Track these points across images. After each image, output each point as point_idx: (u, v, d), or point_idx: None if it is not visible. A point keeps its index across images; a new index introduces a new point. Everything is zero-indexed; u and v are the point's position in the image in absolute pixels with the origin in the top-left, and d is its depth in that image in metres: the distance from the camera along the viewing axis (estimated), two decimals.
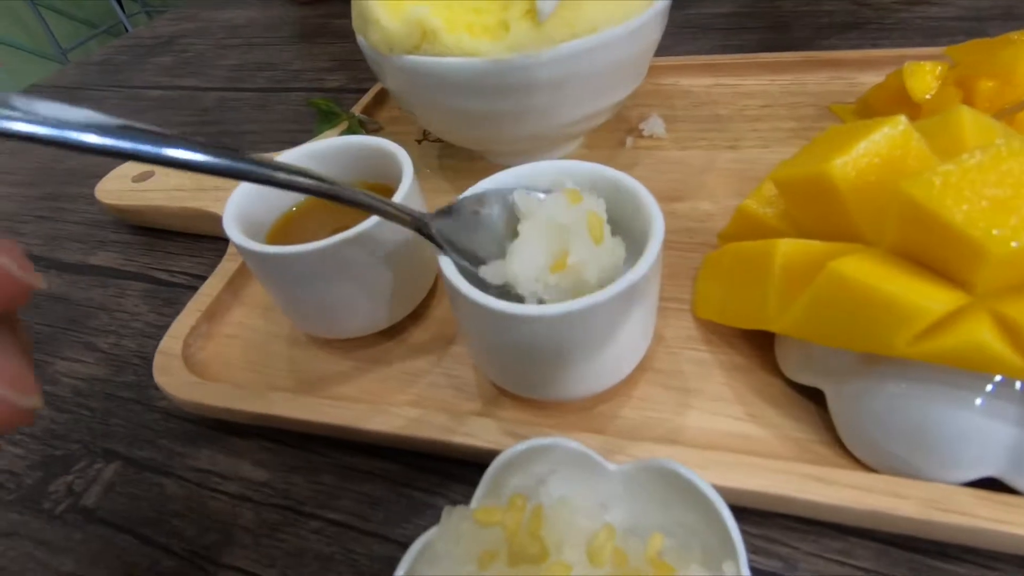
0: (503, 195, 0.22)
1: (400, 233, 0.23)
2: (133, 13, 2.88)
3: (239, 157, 0.16)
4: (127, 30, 2.49)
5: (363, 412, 0.23)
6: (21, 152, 0.49)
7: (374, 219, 0.22)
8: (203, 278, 0.34)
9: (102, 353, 0.30)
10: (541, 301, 0.20)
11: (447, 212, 0.21)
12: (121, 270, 0.36)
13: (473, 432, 0.21)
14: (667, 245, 0.28)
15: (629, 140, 0.35)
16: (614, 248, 0.21)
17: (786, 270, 0.19)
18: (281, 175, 0.16)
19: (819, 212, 0.20)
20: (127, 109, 0.53)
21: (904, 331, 0.16)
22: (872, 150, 0.19)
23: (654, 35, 0.29)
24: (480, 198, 0.22)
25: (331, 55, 0.56)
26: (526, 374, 0.21)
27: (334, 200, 0.18)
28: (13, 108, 0.12)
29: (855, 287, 0.17)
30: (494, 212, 0.22)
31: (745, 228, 0.24)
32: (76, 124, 0.13)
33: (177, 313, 0.29)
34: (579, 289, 0.19)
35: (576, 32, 0.25)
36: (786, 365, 0.22)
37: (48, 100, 0.13)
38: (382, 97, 0.44)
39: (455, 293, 0.19)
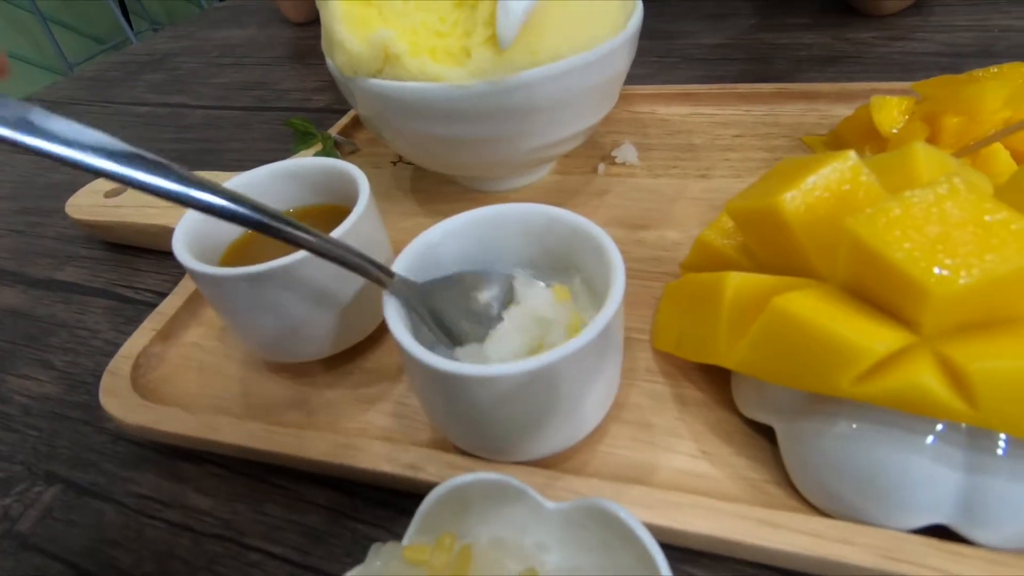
0: (505, 279, 0.22)
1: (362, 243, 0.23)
2: (141, 30, 2.93)
3: (181, 178, 0.15)
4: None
5: (309, 440, 0.22)
6: (2, 166, 0.49)
7: (338, 231, 0.22)
8: (159, 294, 0.33)
9: (57, 371, 0.30)
10: None
11: (443, 283, 0.21)
12: (87, 286, 0.35)
13: (417, 464, 0.21)
14: (631, 274, 0.27)
15: (601, 167, 0.35)
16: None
17: (736, 304, 0.19)
18: (221, 202, 0.16)
19: (773, 245, 0.20)
20: (112, 125, 0.54)
21: (847, 371, 0.15)
22: (821, 184, 0.18)
23: (622, 62, 0.29)
24: (478, 279, 0.22)
25: (319, 75, 0.57)
26: (485, 438, 0.20)
27: (273, 236, 0.17)
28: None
29: (798, 324, 0.16)
30: (492, 294, 0.22)
31: (705, 259, 0.24)
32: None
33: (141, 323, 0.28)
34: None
35: (539, 59, 0.25)
36: (740, 401, 0.21)
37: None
38: (358, 121, 0.44)
39: (406, 353, 0.18)
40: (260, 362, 0.27)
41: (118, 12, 2.54)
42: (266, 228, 0.17)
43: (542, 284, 0.22)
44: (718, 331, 0.19)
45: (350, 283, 0.24)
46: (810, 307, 0.16)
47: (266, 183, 0.27)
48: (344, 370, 0.26)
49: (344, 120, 0.43)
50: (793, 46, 0.48)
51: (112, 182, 0.15)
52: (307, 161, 0.27)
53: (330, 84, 0.54)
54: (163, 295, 0.34)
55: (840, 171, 0.18)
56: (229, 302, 0.23)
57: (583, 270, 0.22)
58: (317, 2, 0.29)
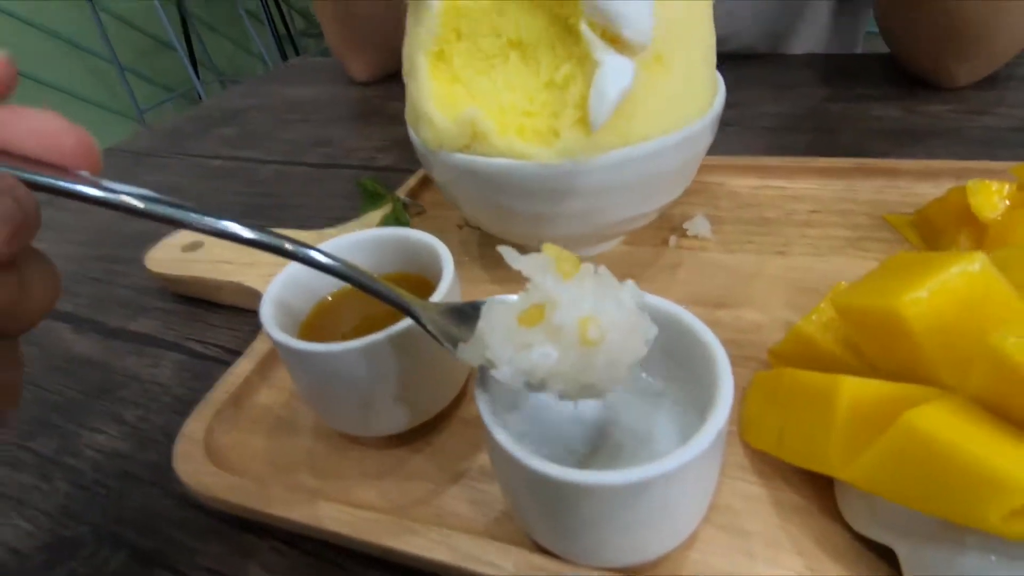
0: None
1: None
2: (208, 81, 3.14)
3: (281, 237, 0.18)
4: (200, 95, 2.71)
5: (379, 524, 0.21)
6: (85, 212, 0.52)
7: (406, 321, 0.22)
8: (237, 353, 0.34)
9: (128, 426, 0.30)
10: (518, 368, 0.17)
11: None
12: (159, 338, 0.36)
13: (496, 561, 0.20)
14: None
15: (673, 239, 0.35)
16: (608, 289, 0.17)
17: (853, 413, 0.18)
18: (318, 256, 0.19)
19: (887, 347, 0.19)
20: (188, 176, 0.56)
21: (998, 505, 0.14)
22: (948, 288, 0.17)
23: (705, 143, 0.29)
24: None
25: (383, 135, 0.58)
26: (574, 541, 0.18)
27: (374, 295, 0.20)
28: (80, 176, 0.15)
29: (937, 446, 0.15)
30: None
31: (801, 350, 0.23)
32: (130, 192, 0.15)
33: (206, 389, 0.28)
34: (561, 339, 0.16)
35: (627, 140, 0.25)
36: (850, 513, 0.19)
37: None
38: (427, 180, 0.45)
39: (501, 451, 0.17)
40: (329, 432, 0.27)
41: (188, 64, 2.72)
42: (374, 292, 0.19)
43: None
44: (830, 440, 0.18)
45: (427, 360, 0.23)
46: (950, 426, 0.15)
47: (351, 250, 0.27)
48: (416, 446, 0.25)
49: (411, 181, 0.44)
50: (862, 117, 0.48)
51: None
52: (389, 231, 0.27)
53: (393, 143, 0.56)
54: (231, 351, 0.34)
55: (969, 275, 0.17)
56: (309, 375, 0.23)
57: (674, 359, 0.21)
58: (404, 77, 0.30)
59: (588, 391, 0.17)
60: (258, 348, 0.30)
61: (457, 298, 0.25)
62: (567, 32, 0.25)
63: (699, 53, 0.27)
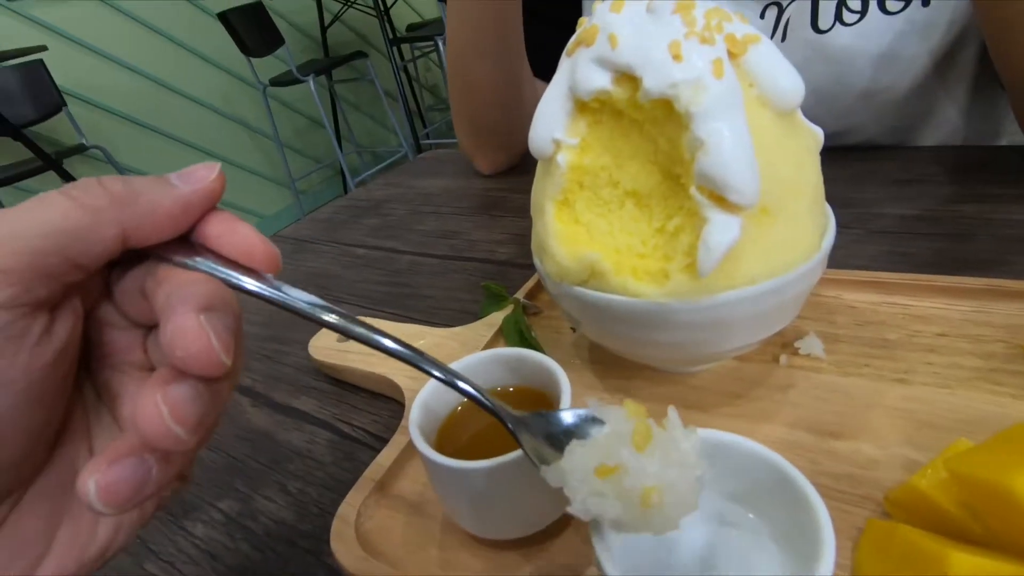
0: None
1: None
2: (348, 152, 3.54)
3: (417, 353, 0.23)
4: (342, 166, 3.08)
5: None
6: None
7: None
8: (378, 437, 0.39)
9: (291, 497, 0.36)
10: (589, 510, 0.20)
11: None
12: (315, 417, 0.43)
13: None
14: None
15: (783, 358, 0.35)
16: (673, 454, 0.20)
17: None
18: (439, 374, 0.24)
19: (1006, 522, 0.19)
20: (338, 263, 0.66)
21: None
22: None
23: (813, 279, 0.30)
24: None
25: (504, 228, 0.65)
26: None
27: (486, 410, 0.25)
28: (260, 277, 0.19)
29: None
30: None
31: (917, 505, 0.23)
32: (295, 296, 0.20)
33: (354, 469, 0.33)
34: (627, 499, 0.20)
35: (734, 283, 0.27)
36: None
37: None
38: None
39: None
40: (456, 527, 0.30)
41: (334, 138, 3.11)
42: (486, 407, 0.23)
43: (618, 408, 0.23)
44: None
45: (540, 481, 0.26)
46: None
47: (484, 367, 0.31)
48: (529, 551, 0.28)
49: (530, 284, 0.48)
50: (998, 222, 0.45)
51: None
52: (514, 353, 0.31)
53: (513, 238, 0.62)
54: (373, 435, 0.40)
55: None
56: (439, 481, 0.27)
57: (774, 501, 0.22)
58: (532, 213, 0.34)
59: (643, 533, 0.20)
60: (400, 440, 0.35)
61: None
62: (678, 187, 0.28)
63: (806, 201, 0.29)
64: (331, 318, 0.21)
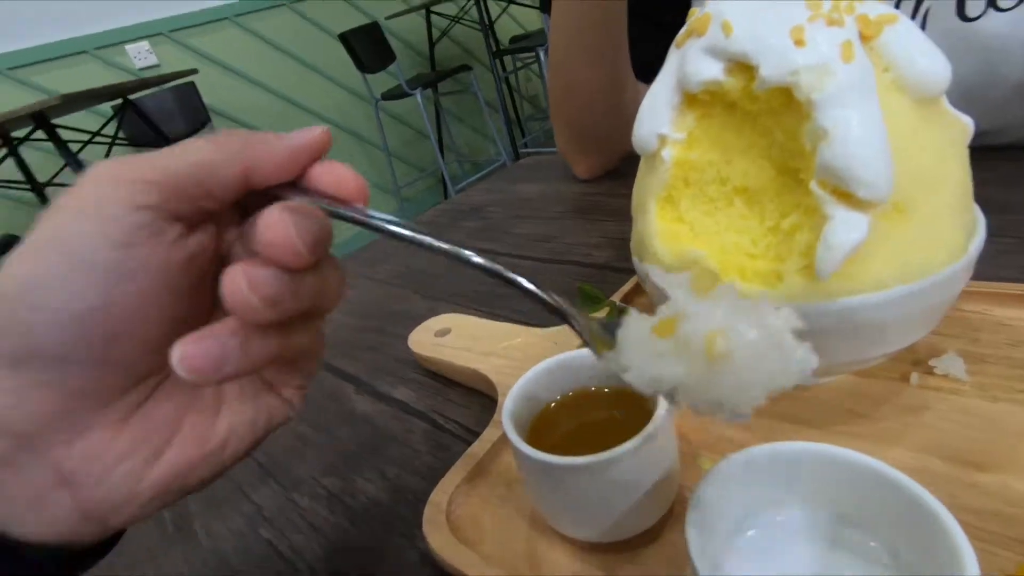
0: None
1: (657, 451, 0.25)
2: (449, 161, 3.69)
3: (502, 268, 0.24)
4: (443, 174, 3.22)
5: None
6: (365, 290, 0.66)
7: (638, 440, 0.24)
8: (470, 430, 0.40)
9: (388, 482, 0.38)
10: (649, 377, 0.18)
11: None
12: (412, 407, 0.44)
13: None
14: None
15: (915, 376, 0.32)
16: (751, 314, 0.17)
17: None
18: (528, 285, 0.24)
19: None
20: (440, 264, 0.68)
21: None
22: None
23: (956, 289, 0.26)
24: None
25: (601, 231, 0.64)
26: None
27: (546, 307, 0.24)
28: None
29: None
30: None
31: None
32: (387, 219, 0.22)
33: (447, 459, 0.34)
34: (687, 350, 0.17)
35: (858, 287, 0.25)
36: None
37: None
38: (640, 286, 0.48)
39: None
40: (544, 524, 0.30)
41: (436, 148, 3.25)
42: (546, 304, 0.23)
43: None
44: None
45: (635, 483, 0.25)
46: None
47: (575, 364, 0.31)
48: (621, 556, 0.27)
49: (626, 287, 0.47)
50: None
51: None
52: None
53: (610, 241, 0.61)
54: (466, 428, 0.41)
55: None
56: (531, 476, 0.27)
57: (903, 529, 0.20)
58: (633, 211, 0.34)
59: (718, 409, 0.18)
60: (491, 433, 0.36)
61: (670, 413, 0.27)
62: (796, 183, 0.26)
63: (948, 198, 0.25)
64: (416, 235, 0.22)
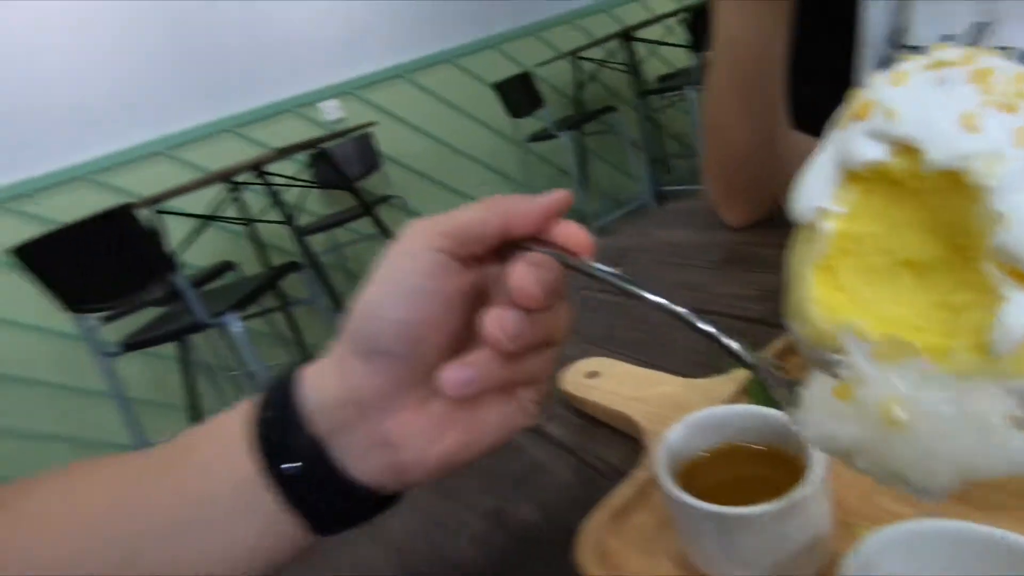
0: None
1: (813, 509, 0.26)
2: (591, 199, 3.76)
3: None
4: (584, 212, 3.30)
5: None
6: None
7: (797, 494, 0.26)
8: (616, 469, 0.43)
9: (541, 509, 0.42)
10: None
11: None
12: (563, 443, 0.48)
13: None
14: None
15: None
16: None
17: None
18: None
19: None
20: (584, 307, 0.72)
21: None
22: None
23: None
24: None
25: (752, 283, 0.63)
26: None
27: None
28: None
29: None
30: None
31: None
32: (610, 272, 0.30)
33: (594, 494, 0.38)
34: (863, 413, 0.18)
35: None
36: None
37: None
38: (792, 346, 0.48)
39: None
40: (695, 570, 0.32)
41: (578, 187, 3.33)
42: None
43: None
44: None
45: (805, 530, 0.27)
46: None
47: (727, 420, 0.33)
48: None
49: (778, 344, 0.47)
50: None
51: None
52: (763, 411, 0.32)
53: (764, 295, 0.60)
54: (613, 467, 0.44)
55: None
56: (682, 521, 0.30)
57: None
58: (787, 277, 0.35)
59: (897, 479, 0.18)
60: (639, 477, 0.38)
61: (828, 471, 0.28)
62: (963, 260, 0.26)
63: None
64: (631, 287, 0.30)
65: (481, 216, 0.28)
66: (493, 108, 3.31)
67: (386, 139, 3.15)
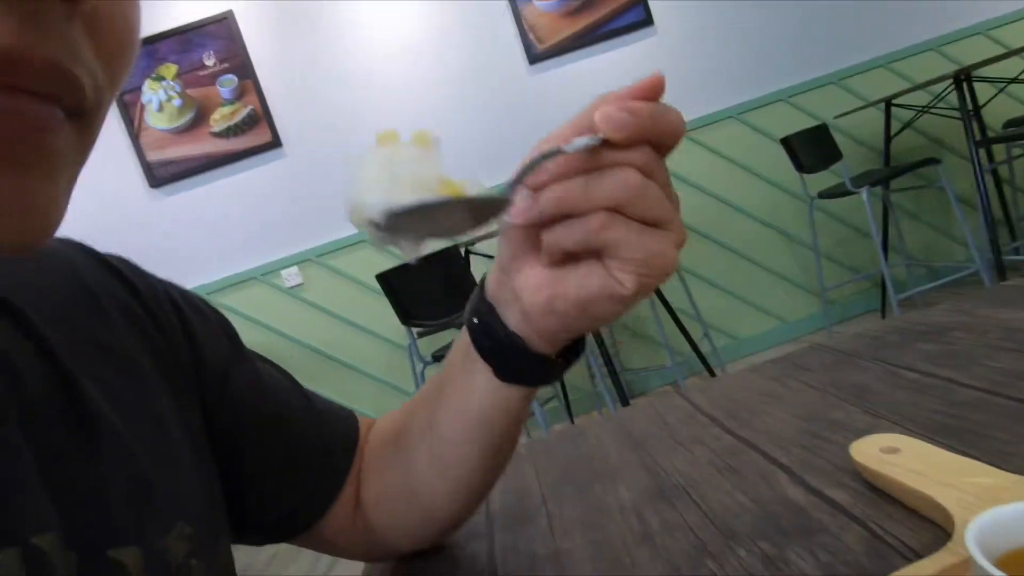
0: None
1: None
2: (895, 264, 3.22)
3: None
4: (884, 278, 2.83)
5: None
6: (800, 391, 0.72)
7: None
8: (911, 549, 0.41)
9: (820, 564, 0.43)
10: None
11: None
12: (847, 510, 0.48)
13: None
14: None
15: None
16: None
17: None
18: None
19: None
20: (882, 382, 0.68)
21: None
22: None
23: None
24: None
25: None
26: None
27: None
28: None
29: None
30: None
31: None
32: None
33: (883, 567, 0.38)
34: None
35: None
36: None
37: None
38: None
39: None
40: None
41: (880, 249, 2.91)
42: None
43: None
44: None
45: None
46: None
47: None
48: None
49: None
50: None
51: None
52: None
53: None
54: (907, 545, 0.42)
55: None
56: None
57: None
58: None
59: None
60: (942, 558, 0.37)
61: None
62: None
63: None
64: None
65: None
66: (778, 162, 3.14)
67: None
